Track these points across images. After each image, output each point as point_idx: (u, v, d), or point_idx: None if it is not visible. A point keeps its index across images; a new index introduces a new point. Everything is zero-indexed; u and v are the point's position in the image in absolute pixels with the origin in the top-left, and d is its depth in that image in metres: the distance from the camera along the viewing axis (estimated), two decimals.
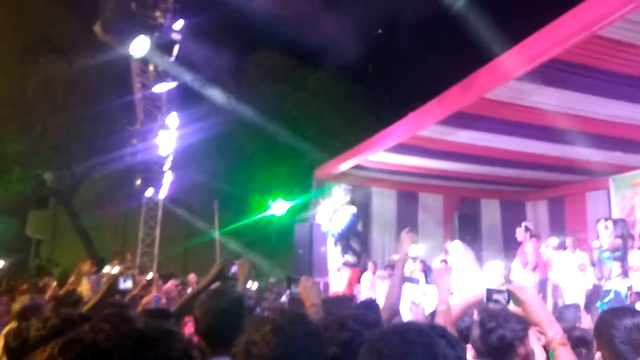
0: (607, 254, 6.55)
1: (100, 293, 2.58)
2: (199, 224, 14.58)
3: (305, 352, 1.18)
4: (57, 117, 12.66)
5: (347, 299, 3.46)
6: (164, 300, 4.15)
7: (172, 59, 6.82)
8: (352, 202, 6.26)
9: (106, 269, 6.96)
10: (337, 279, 5.99)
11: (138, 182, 9.85)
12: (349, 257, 5.89)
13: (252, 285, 12.24)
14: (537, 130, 7.25)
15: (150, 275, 7.78)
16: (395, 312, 2.74)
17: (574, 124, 6.87)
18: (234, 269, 3.01)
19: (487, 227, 11.87)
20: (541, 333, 1.78)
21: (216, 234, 12.97)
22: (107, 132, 12.53)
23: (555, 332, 1.65)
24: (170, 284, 4.30)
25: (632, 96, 5.85)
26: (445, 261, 5.64)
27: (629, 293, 6.21)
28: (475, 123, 7.10)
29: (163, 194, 11.30)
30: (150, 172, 9.31)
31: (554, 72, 5.37)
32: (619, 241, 6.28)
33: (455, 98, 6.41)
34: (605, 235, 6.55)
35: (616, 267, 6.23)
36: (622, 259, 6.27)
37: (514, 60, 5.35)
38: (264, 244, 15.97)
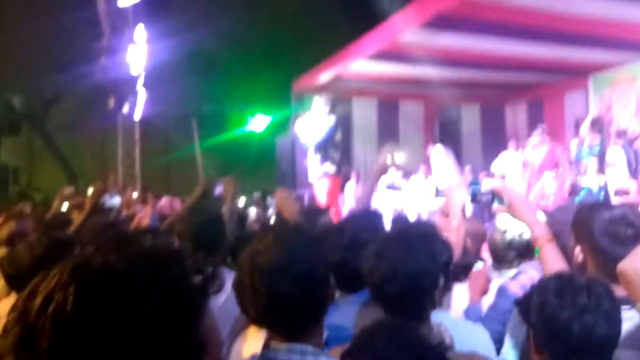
0: (586, 150, 6.72)
1: (86, 211, 2.56)
2: (179, 141, 14.40)
3: (308, 258, 1.20)
4: (18, 32, 11.86)
5: (320, 211, 3.48)
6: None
7: None
8: (331, 112, 6.17)
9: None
10: (318, 190, 6.06)
11: (111, 101, 9.49)
12: (328, 167, 5.91)
13: (239, 202, 12.39)
14: (518, 31, 7.11)
15: (135, 194, 7.76)
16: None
17: (556, 23, 6.73)
18: (218, 188, 3.03)
19: (467, 133, 11.99)
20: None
21: (197, 150, 12.89)
22: (72, 48, 11.85)
23: (540, 230, 1.69)
24: (165, 201, 4.28)
25: None
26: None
27: (602, 190, 6.46)
28: (455, 26, 6.92)
29: (138, 113, 10.99)
30: (123, 91, 8.96)
31: None
32: (597, 136, 6.42)
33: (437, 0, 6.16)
34: (584, 131, 6.69)
35: (593, 163, 6.41)
36: (601, 156, 6.44)
37: None
38: (246, 159, 15.95)
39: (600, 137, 6.61)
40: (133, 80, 8.93)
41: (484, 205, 1.93)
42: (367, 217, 3.21)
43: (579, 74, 9.70)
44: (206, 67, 15.61)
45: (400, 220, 4.02)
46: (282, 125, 12.04)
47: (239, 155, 15.50)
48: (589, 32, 7.11)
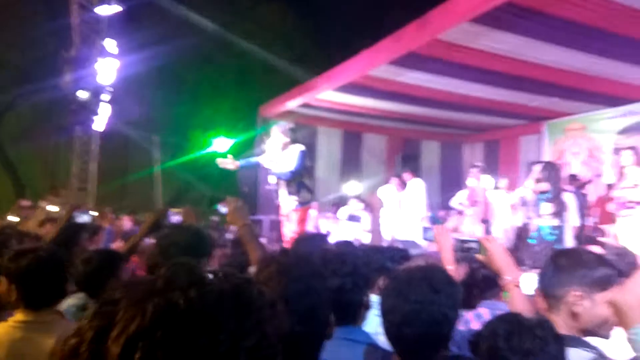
0: (539, 195, 6.99)
1: (58, 227, 2.45)
2: (138, 158, 14.02)
3: (312, 292, 1.17)
4: None
5: (320, 237, 3.51)
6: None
7: None
8: (294, 141, 6.08)
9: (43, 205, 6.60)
10: (292, 219, 5.91)
11: (71, 114, 9.15)
12: (304, 196, 5.80)
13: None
14: (482, 74, 7.42)
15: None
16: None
17: (518, 69, 7.09)
18: (176, 217, 2.97)
19: (426, 168, 12.28)
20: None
21: (157, 170, 12.56)
22: (36, 57, 11.44)
23: (512, 276, 1.93)
24: (126, 220, 4.14)
25: (577, 43, 6.06)
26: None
27: (555, 232, 6.72)
28: (425, 64, 7.14)
29: (99, 126, 10.67)
30: (86, 103, 8.68)
31: (505, 15, 5.42)
32: (545, 185, 6.73)
33: (410, 37, 6.37)
34: (534, 178, 7.00)
35: (547, 207, 6.66)
36: (553, 200, 6.71)
37: (469, 1, 5.34)
38: (207, 181, 15.71)
39: (550, 183, 6.92)
40: (97, 93, 8.68)
41: (471, 253, 2.17)
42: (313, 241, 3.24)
43: (534, 119, 10.20)
44: (173, 84, 15.45)
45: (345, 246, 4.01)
46: (246, 149, 11.97)
47: (201, 176, 15.26)
48: (548, 80, 7.52)
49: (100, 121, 10.21)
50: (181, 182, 15.00)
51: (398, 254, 2.76)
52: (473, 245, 2.12)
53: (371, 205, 10.71)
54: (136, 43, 11.12)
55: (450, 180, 12.03)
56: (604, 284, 1.55)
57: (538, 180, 7.14)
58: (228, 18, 15.41)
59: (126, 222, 3.98)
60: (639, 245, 4.85)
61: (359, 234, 9.46)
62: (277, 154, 5.91)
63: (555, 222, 6.62)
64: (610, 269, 1.60)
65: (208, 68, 15.79)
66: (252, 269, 2.25)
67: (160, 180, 12.32)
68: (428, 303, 1.36)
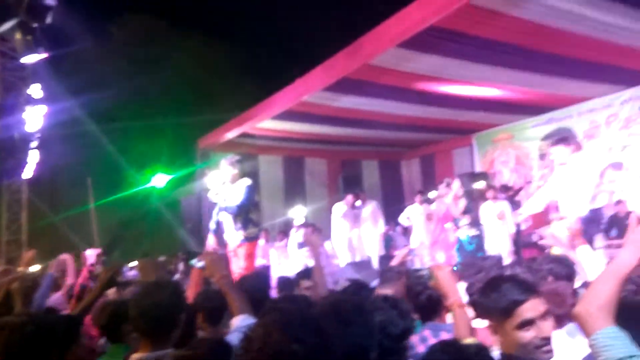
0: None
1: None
2: (72, 203, 13.36)
3: (317, 342, 1.17)
4: None
5: (264, 274, 3.54)
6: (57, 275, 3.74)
7: (45, 25, 5.96)
8: (242, 174, 6.05)
9: None
10: (239, 255, 5.80)
11: None
12: (250, 230, 5.71)
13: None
14: (413, 94, 7.77)
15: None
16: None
17: (445, 87, 7.48)
18: (132, 273, 2.90)
19: (368, 187, 12.52)
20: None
21: (92, 210, 12.01)
22: None
23: (455, 298, 2.12)
24: (66, 256, 3.89)
25: (498, 60, 6.48)
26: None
27: (473, 241, 7.08)
28: (358, 88, 7.38)
29: (28, 174, 10.10)
30: (13, 152, 8.20)
31: (431, 39, 5.73)
32: (463, 201, 7.13)
33: (342, 64, 6.57)
34: (450, 193, 7.41)
35: (464, 218, 7.05)
36: (469, 212, 7.09)
37: (396, 27, 5.60)
38: (144, 219, 15.20)
39: (466, 197, 7.36)
40: (25, 140, 8.24)
41: (424, 280, 2.41)
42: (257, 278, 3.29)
43: (464, 133, 10.73)
44: (105, 124, 14.95)
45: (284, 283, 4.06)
46: (186, 184, 11.74)
47: (139, 215, 14.74)
48: (474, 95, 7.97)
49: (29, 169, 9.69)
50: (119, 221, 14.42)
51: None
52: (424, 273, 2.34)
53: (318, 230, 10.78)
54: (65, 86, 10.72)
55: (391, 197, 12.35)
56: (509, 312, 1.62)
57: (457, 197, 7.58)
58: (156, 52, 15.23)
59: (69, 262, 3.73)
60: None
61: (310, 260, 9.45)
62: (225, 187, 5.85)
63: (472, 231, 6.98)
64: (517, 292, 1.64)
65: (141, 104, 15.44)
66: (235, 320, 2.23)
67: (95, 222, 11.77)
68: (338, 337, 1.34)
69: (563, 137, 6.24)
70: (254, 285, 3.01)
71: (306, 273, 3.47)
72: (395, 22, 5.52)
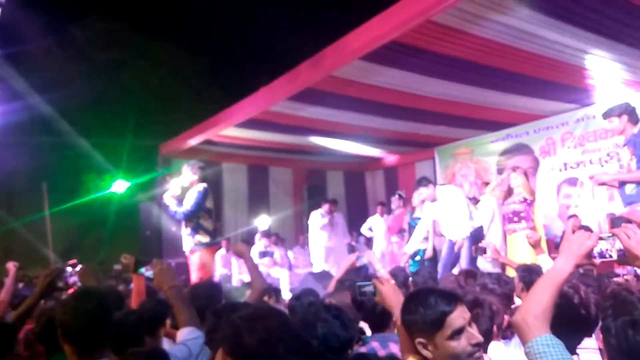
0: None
1: None
2: (25, 209, 12.87)
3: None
4: None
5: (214, 286, 3.50)
6: None
7: None
8: (202, 179, 6.01)
9: None
10: (191, 262, 5.73)
11: None
12: (201, 237, 5.63)
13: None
14: (376, 106, 7.85)
15: None
16: (265, 291, 2.90)
17: (407, 101, 7.60)
18: (72, 279, 2.79)
19: (332, 197, 12.55)
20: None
21: (46, 216, 11.59)
22: None
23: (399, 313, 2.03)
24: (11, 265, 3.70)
25: (457, 76, 6.64)
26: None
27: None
28: (322, 99, 7.41)
29: None
30: None
31: (392, 53, 5.82)
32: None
33: (305, 75, 6.59)
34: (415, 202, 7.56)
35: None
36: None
37: (358, 40, 5.67)
38: (103, 226, 14.78)
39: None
40: None
41: (368, 296, 2.31)
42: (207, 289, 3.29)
43: (426, 146, 10.91)
44: (62, 128, 14.51)
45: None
46: (146, 189, 11.50)
47: (96, 221, 14.33)
48: (435, 110, 8.12)
49: None
50: (75, 228, 13.97)
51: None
52: (368, 288, 2.26)
53: (281, 240, 10.73)
54: (22, 86, 10.37)
55: (355, 208, 12.41)
56: (439, 323, 1.61)
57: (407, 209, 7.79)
58: (118, 56, 14.94)
59: (10, 269, 3.56)
60: (526, 259, 5.31)
61: (272, 269, 9.40)
62: (180, 192, 5.79)
63: (424, 245, 7.12)
64: (444, 303, 1.64)
65: (101, 108, 15.05)
66: (181, 333, 2.19)
67: (49, 228, 11.36)
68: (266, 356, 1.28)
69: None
70: (202, 296, 2.97)
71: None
72: (357, 35, 5.58)
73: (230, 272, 9.68)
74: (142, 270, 2.98)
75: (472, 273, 4.30)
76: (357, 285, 2.31)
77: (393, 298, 2.15)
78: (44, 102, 11.79)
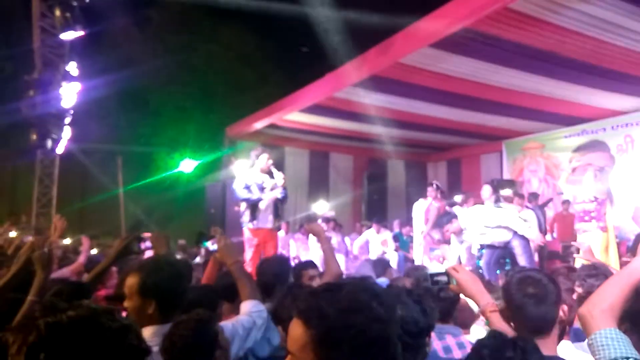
0: None
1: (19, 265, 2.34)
2: (101, 182, 13.69)
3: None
4: None
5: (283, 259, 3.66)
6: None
7: (84, 4, 6.14)
8: (274, 166, 6.28)
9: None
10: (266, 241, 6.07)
11: (33, 136, 8.91)
12: (273, 221, 6.05)
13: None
14: (442, 95, 7.67)
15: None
16: (340, 276, 2.88)
17: (477, 90, 7.37)
18: (145, 244, 2.92)
19: (392, 187, 12.47)
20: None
21: (120, 192, 12.26)
22: None
23: (486, 302, 1.92)
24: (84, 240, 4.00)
25: (532, 67, 6.36)
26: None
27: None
28: (387, 86, 7.33)
29: (61, 149, 10.42)
30: (48, 126, 8.48)
31: (464, 41, 5.65)
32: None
33: (372, 61, 6.54)
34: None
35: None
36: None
37: (429, 27, 5.55)
38: (172, 203, 15.47)
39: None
40: (60, 116, 8.49)
41: (441, 286, 2.13)
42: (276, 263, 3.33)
43: (493, 139, 10.56)
44: (137, 105, 15.23)
45: None
46: (213, 170, 11.90)
47: (165, 198, 15.02)
48: (505, 101, 7.83)
49: (62, 144, 9.99)
50: (146, 204, 14.71)
51: None
52: (442, 277, 2.07)
53: (339, 225, 10.79)
54: (99, 65, 10.95)
55: (415, 198, 12.22)
56: None
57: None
58: (190, 39, 15.44)
59: (85, 242, 3.85)
60: (601, 257, 5.07)
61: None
62: (251, 176, 6.03)
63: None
64: None
65: (172, 89, 15.65)
66: (244, 305, 2.27)
67: (122, 202, 12.02)
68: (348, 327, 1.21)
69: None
70: (270, 272, 3.06)
71: (308, 263, 3.48)
72: (429, 21, 5.46)
73: (288, 254, 9.87)
74: (207, 244, 3.09)
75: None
76: (430, 274, 2.14)
77: (473, 286, 1.97)
78: (121, 80, 12.40)
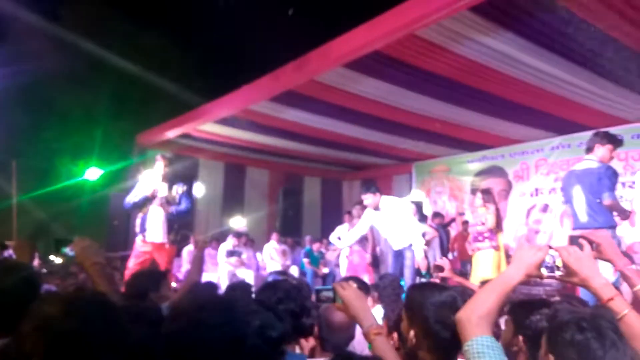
0: None
1: None
2: None
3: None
4: None
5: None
6: None
7: None
8: (177, 174, 6.05)
9: None
10: (159, 257, 5.79)
11: None
12: (173, 236, 5.83)
13: (56, 260, 11.07)
14: (357, 116, 7.84)
15: None
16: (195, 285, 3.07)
17: (389, 113, 7.63)
18: (8, 252, 2.75)
19: (308, 203, 12.51)
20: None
21: (13, 201, 11.23)
22: None
23: (369, 323, 1.80)
24: None
25: (437, 93, 6.68)
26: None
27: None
28: (303, 103, 7.38)
29: None
30: None
31: (376, 64, 5.83)
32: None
33: (288, 76, 6.55)
34: None
35: None
36: None
37: (342, 47, 5.66)
38: (73, 214, 14.45)
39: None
40: None
41: (326, 301, 2.02)
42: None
43: (405, 160, 10.96)
44: (39, 105, 14.13)
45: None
46: (119, 179, 11.27)
47: (66, 208, 14.00)
48: (414, 125, 8.16)
49: None
50: (43, 214, 13.63)
51: None
52: (328, 294, 1.96)
53: (251, 240, 10.63)
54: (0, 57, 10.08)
55: (330, 215, 12.37)
56: None
57: None
58: (106, 41, 14.70)
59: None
60: (487, 275, 5.36)
61: (238, 270, 9.30)
62: (156, 187, 5.83)
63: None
64: None
65: (81, 91, 14.75)
66: None
67: (15, 213, 10.97)
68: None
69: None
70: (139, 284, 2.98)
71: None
72: (342, 41, 5.56)
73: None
74: (66, 250, 2.88)
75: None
76: (316, 289, 2.06)
77: (356, 304, 1.85)
78: (22, 75, 11.50)
